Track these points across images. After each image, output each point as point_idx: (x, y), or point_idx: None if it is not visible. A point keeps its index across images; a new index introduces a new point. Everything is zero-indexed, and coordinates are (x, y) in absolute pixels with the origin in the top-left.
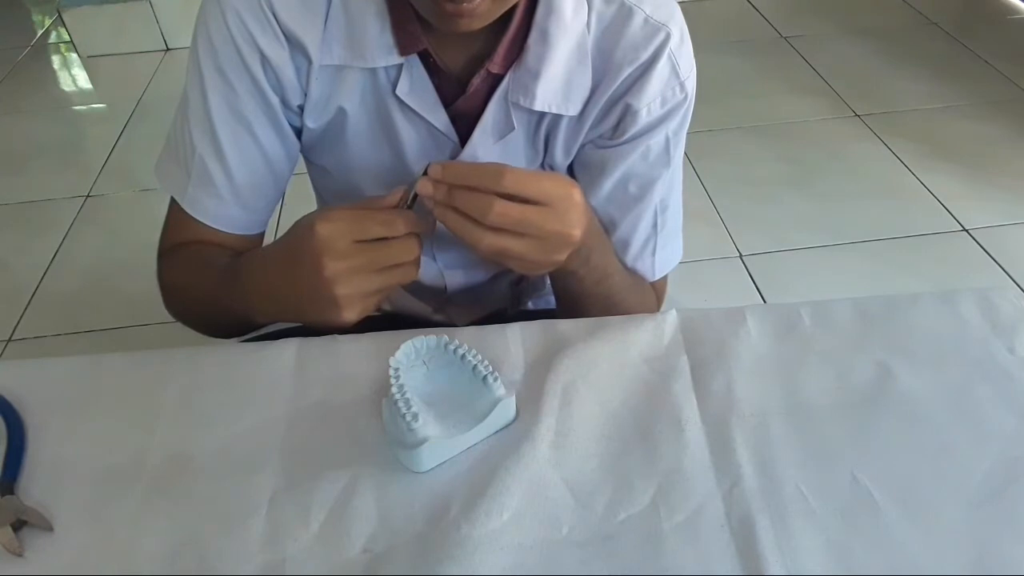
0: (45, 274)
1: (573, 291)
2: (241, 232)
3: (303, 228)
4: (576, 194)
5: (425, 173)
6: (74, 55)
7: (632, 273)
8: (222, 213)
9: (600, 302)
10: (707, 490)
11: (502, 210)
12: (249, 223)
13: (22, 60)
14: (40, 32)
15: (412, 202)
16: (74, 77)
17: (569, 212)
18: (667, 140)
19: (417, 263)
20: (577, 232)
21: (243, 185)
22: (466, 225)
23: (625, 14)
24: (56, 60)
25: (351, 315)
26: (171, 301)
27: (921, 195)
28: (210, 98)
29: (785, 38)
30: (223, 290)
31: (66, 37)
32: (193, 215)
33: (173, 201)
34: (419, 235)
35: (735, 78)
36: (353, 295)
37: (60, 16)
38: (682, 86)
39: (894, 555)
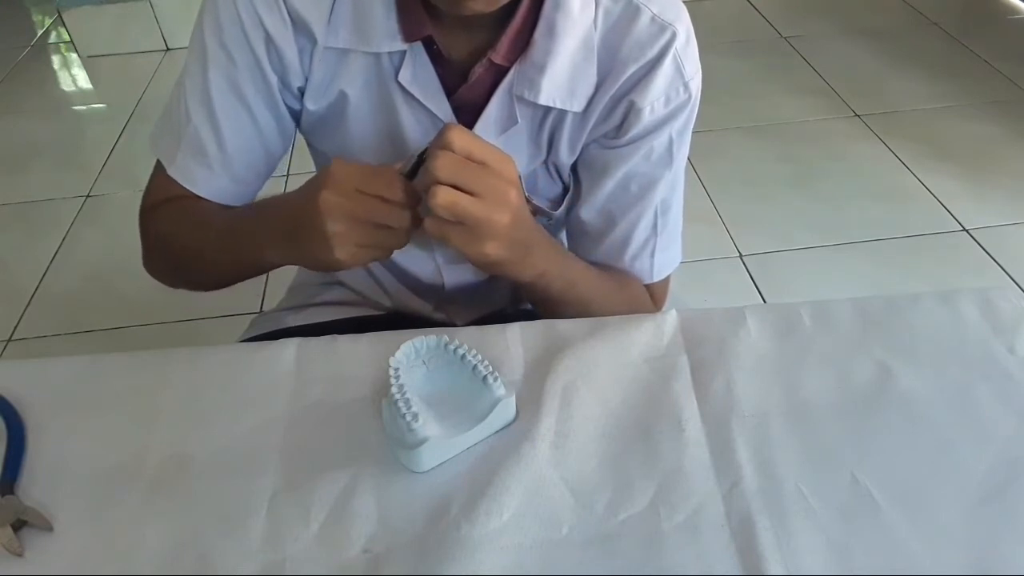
0: (45, 274)
1: (539, 298)
2: (227, 203)
3: (324, 167)
4: (511, 194)
5: (423, 152)
6: (74, 55)
7: (611, 275)
8: (211, 184)
9: (575, 307)
10: (707, 490)
11: (439, 201)
12: (236, 195)
13: (22, 60)
14: (40, 32)
15: (411, 173)
16: (74, 77)
17: (499, 205)
18: (670, 140)
19: (407, 233)
20: (504, 218)
21: (235, 157)
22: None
23: (632, 12)
24: (56, 60)
25: (338, 255)
26: (157, 255)
27: (921, 195)
28: (210, 71)
29: (785, 38)
30: (233, 227)
31: (66, 37)
32: (182, 183)
33: (160, 165)
34: (415, 209)
35: (735, 78)
36: (341, 235)
37: (60, 16)
38: (686, 86)
39: (894, 555)
